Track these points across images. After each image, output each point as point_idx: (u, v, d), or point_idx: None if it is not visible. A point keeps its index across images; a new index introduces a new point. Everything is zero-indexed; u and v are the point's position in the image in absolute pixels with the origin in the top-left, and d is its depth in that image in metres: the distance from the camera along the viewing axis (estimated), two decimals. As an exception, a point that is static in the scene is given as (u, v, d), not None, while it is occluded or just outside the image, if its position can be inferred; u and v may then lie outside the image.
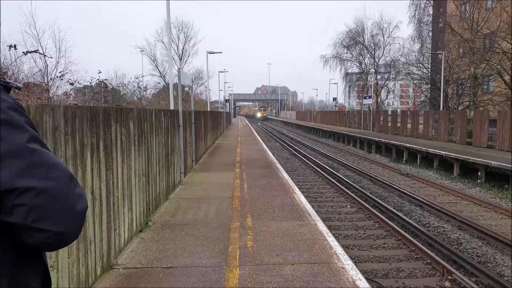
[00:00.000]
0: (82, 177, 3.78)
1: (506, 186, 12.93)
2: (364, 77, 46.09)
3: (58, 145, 3.32)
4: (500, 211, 10.39)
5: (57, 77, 11.42)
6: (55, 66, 12.64)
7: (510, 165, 12.49)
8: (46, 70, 11.91)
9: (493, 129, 18.17)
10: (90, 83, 13.50)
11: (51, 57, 12.13)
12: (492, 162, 13.29)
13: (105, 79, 15.04)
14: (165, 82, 43.13)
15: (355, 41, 45.50)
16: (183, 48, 46.86)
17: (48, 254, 2.98)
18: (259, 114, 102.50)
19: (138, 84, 26.56)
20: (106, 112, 4.50)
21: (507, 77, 22.91)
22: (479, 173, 14.27)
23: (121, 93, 27.35)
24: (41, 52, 11.44)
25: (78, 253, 3.65)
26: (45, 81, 11.49)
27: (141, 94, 28.50)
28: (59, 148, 3.33)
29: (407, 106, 57.73)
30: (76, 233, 1.02)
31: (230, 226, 6.24)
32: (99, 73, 13.36)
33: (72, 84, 11.07)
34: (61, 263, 3.28)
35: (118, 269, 4.58)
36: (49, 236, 0.96)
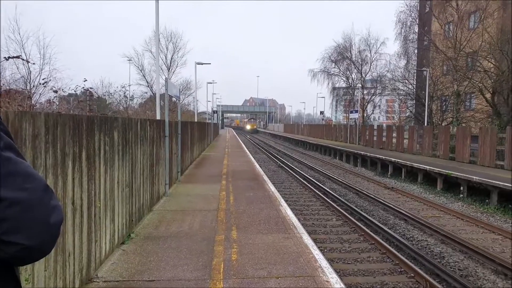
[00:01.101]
0: (62, 187, 3.69)
1: (487, 200, 13.14)
2: (351, 92, 46.69)
3: (38, 154, 3.25)
4: (482, 225, 10.54)
5: (40, 84, 11.26)
6: (39, 73, 12.46)
7: (491, 180, 12.73)
8: (29, 77, 11.73)
9: (475, 145, 18.52)
10: (75, 91, 13.36)
11: (34, 63, 11.96)
12: (474, 177, 13.51)
13: (91, 88, 14.92)
14: (152, 92, 42.97)
15: (342, 56, 46.18)
16: (171, 58, 46.84)
17: (23, 266, 2.89)
18: (248, 127, 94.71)
19: (124, 93, 26.41)
20: (89, 120, 4.43)
21: (488, 95, 23.49)
22: (462, 188, 14.48)
23: (107, 102, 27.13)
24: (24, 58, 11.28)
25: (56, 266, 3.54)
26: (28, 88, 11.31)
27: (127, 103, 28.33)
28: (39, 157, 3.25)
29: (393, 121, 58.59)
30: (50, 246, 0.98)
31: (215, 239, 6.16)
32: (85, 81, 13.25)
33: (56, 91, 10.92)
34: (37, 276, 3.18)
35: (98, 282, 4.46)
36: (20, 250, 0.91)
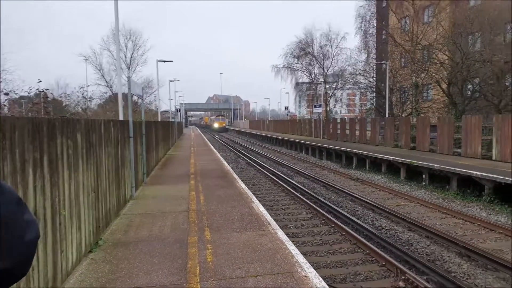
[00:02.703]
0: (23, 196, 3.43)
1: (447, 187, 13.71)
2: (314, 87, 47.34)
3: (-5, 162, 2.99)
4: (444, 210, 10.98)
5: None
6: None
7: (450, 168, 13.28)
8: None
9: (434, 134, 19.25)
10: (28, 93, 12.64)
11: None
12: (435, 165, 14.05)
13: (46, 89, 14.19)
14: (112, 92, 41.73)
15: (305, 51, 46.68)
16: (131, 57, 45.65)
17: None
18: (216, 125, 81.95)
19: (82, 94, 25.41)
20: (50, 123, 4.15)
21: (444, 86, 24.52)
22: (424, 176, 15.02)
23: (64, 104, 26.03)
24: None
25: (19, 283, 3.29)
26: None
27: (86, 104, 27.32)
28: (-4, 165, 3.00)
29: (354, 114, 60.16)
30: (26, 267, 0.85)
31: (188, 240, 6.01)
32: (39, 82, 12.57)
33: (6, 94, 10.26)
34: (0, 293, 2.93)
35: (66, 294, 4.21)
36: None
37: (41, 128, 3.88)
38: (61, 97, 26.46)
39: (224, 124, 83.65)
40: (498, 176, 11.34)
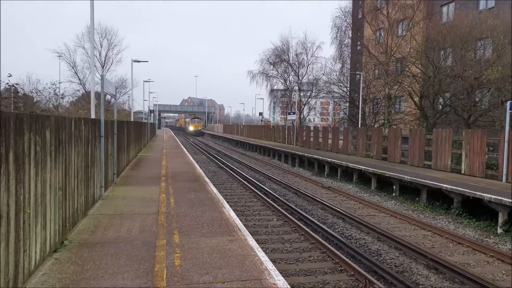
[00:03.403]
0: (-15, 193, 3.28)
1: (417, 198, 14.05)
2: (288, 94, 47.72)
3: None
4: (413, 222, 11.21)
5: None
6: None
7: (420, 180, 13.62)
8: None
9: (405, 146, 19.71)
10: (-3, 87, 12.16)
11: None
12: (406, 177, 14.36)
13: (16, 84, 13.70)
14: (85, 90, 40.73)
15: (280, 58, 47.02)
16: (106, 55, 44.67)
17: None
18: (191, 128, 78.73)
19: (54, 91, 24.69)
20: (18, 118, 4.00)
21: (416, 99, 25.16)
22: (394, 187, 15.35)
23: (34, 100, 25.24)
24: None
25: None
26: None
27: (58, 101, 26.56)
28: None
29: (327, 122, 61.07)
30: None
31: (156, 243, 5.90)
32: (9, 76, 12.12)
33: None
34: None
35: (27, 296, 4.04)
36: None
37: (8, 123, 3.73)
38: (32, 92, 25.63)
39: (200, 127, 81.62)
40: (466, 190, 11.58)
